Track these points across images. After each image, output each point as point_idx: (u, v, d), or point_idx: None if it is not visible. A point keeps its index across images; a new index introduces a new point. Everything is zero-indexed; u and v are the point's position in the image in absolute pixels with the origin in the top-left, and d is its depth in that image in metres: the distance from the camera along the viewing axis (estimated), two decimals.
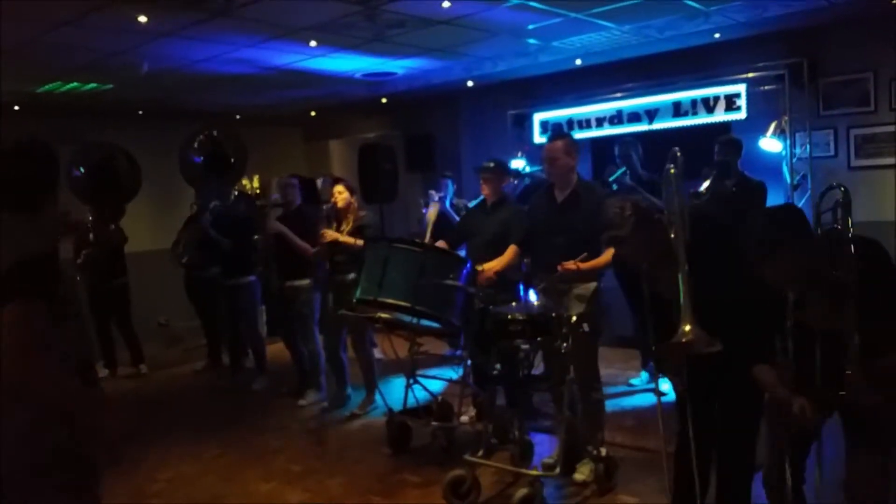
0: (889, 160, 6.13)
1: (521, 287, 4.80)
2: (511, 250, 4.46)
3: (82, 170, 6.78)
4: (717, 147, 5.70)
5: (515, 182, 6.76)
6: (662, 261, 2.65)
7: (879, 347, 2.26)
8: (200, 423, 5.72)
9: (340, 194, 5.55)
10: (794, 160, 6.40)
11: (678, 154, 2.76)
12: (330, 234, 5.40)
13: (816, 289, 2.36)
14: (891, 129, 6.12)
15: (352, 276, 5.07)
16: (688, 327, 2.49)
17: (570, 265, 3.74)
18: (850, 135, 6.38)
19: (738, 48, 6.66)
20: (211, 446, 5.11)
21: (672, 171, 2.73)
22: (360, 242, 5.17)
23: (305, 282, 5.87)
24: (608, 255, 3.73)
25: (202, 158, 5.97)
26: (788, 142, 6.33)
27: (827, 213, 2.52)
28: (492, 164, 4.87)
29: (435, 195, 6.93)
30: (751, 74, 6.51)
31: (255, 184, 9.68)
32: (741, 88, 6.52)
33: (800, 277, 2.33)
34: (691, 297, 2.52)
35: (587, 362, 4.02)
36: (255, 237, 6.20)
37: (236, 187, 7.00)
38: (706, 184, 5.62)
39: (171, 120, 8.65)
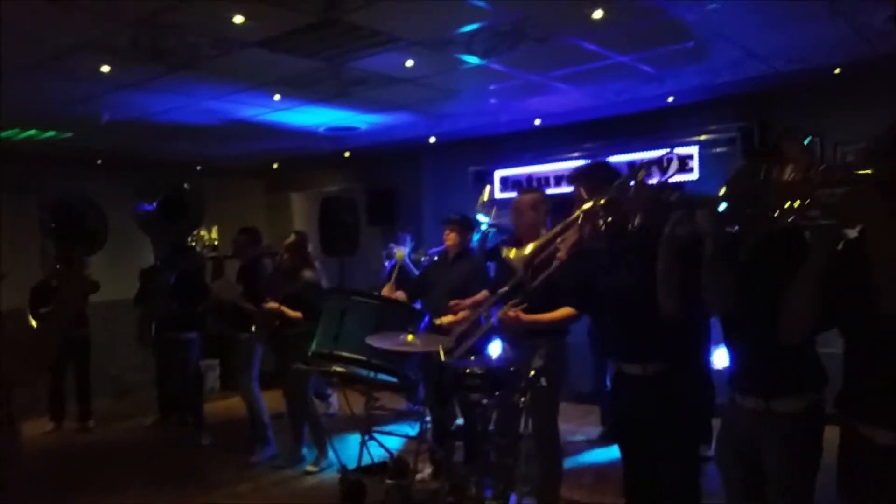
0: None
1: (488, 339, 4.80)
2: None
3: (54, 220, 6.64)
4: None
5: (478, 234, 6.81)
6: None
7: None
8: (149, 479, 5.51)
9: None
10: None
11: None
12: (271, 305, 5.43)
13: None
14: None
15: (298, 330, 5.17)
16: None
17: (511, 312, 3.72)
18: None
19: (692, 112, 6.89)
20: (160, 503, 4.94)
21: None
22: (298, 315, 5.29)
23: (245, 334, 5.80)
24: (562, 312, 3.74)
25: (156, 205, 5.91)
26: None
27: None
28: (457, 217, 5.07)
29: (395, 248, 6.93)
30: (703, 137, 6.73)
31: (214, 235, 9.57)
32: (694, 150, 6.73)
33: None
34: None
35: (545, 418, 4.00)
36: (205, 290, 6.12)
37: (192, 238, 6.89)
38: None
39: (131, 169, 8.53)
